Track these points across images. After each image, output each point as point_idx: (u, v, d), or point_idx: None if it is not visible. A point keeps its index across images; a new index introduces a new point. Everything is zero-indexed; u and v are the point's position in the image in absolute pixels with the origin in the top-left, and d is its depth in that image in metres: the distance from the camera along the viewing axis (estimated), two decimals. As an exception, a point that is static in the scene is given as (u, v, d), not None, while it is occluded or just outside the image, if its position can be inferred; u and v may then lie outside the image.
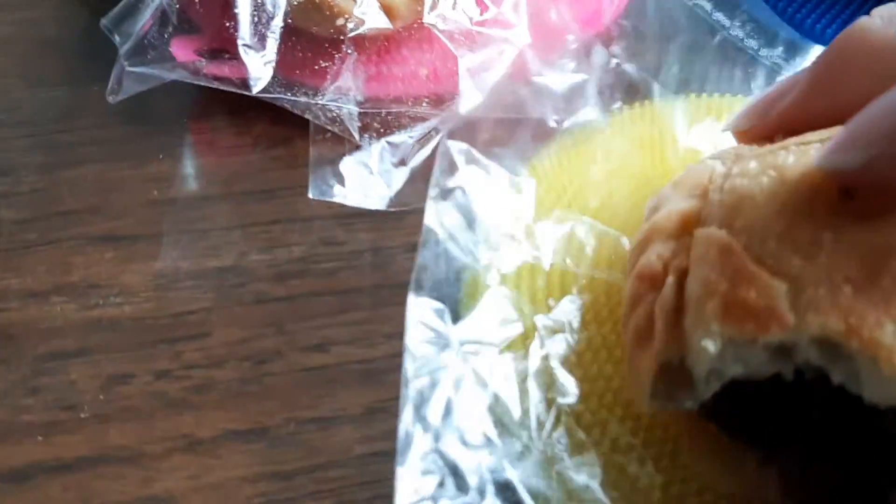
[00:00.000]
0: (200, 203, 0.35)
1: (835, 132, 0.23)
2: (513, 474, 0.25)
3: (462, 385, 0.26)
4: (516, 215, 0.30)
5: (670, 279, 0.24)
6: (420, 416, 0.25)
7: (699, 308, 0.22)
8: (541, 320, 0.28)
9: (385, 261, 0.33)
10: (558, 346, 0.28)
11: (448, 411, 0.26)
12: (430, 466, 0.25)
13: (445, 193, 0.30)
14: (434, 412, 0.26)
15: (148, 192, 0.35)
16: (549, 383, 0.27)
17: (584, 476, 0.25)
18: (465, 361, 0.27)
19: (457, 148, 0.31)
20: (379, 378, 0.30)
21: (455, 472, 0.25)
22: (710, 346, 0.22)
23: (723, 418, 0.25)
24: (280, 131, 0.37)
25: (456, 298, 0.29)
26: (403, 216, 0.34)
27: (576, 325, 0.28)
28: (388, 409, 0.28)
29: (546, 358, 0.27)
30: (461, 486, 0.25)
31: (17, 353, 0.30)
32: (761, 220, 0.23)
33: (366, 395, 0.30)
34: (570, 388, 0.27)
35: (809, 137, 0.25)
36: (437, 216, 0.30)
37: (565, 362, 0.27)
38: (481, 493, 0.25)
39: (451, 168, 0.31)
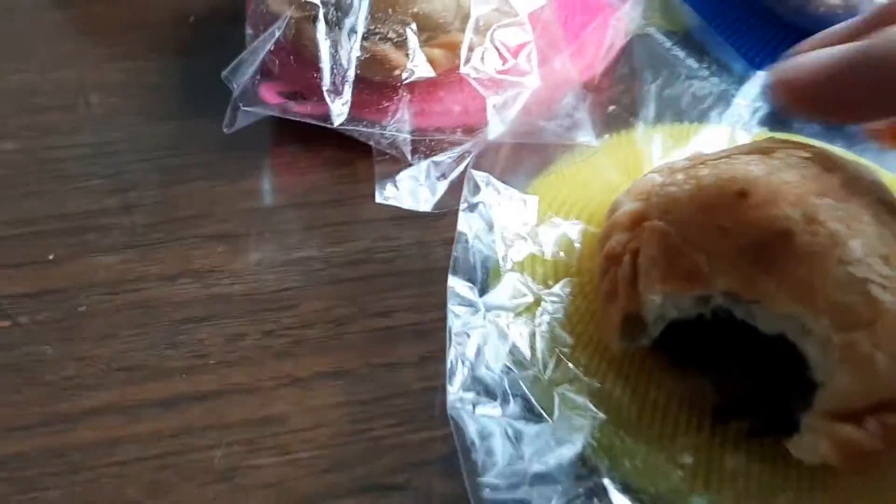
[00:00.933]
0: (284, 210, 0.45)
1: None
2: (527, 392, 0.35)
3: (489, 337, 0.36)
4: (524, 221, 0.40)
5: (627, 257, 0.34)
6: (461, 355, 0.35)
7: (648, 275, 0.32)
8: (543, 294, 0.38)
9: (428, 252, 0.43)
10: (556, 311, 0.37)
11: (479, 353, 0.36)
12: (469, 386, 0.35)
13: (472, 207, 0.40)
14: (470, 353, 0.36)
15: (244, 202, 0.45)
16: (550, 336, 0.37)
17: (579, 395, 0.35)
18: (491, 322, 0.37)
19: (479, 176, 0.41)
20: (429, 336, 0.39)
21: (486, 390, 0.35)
22: (656, 298, 0.32)
23: (669, 348, 0.34)
24: (344, 155, 0.46)
25: (482, 280, 0.38)
26: (442, 218, 0.43)
27: (568, 297, 0.38)
28: (437, 357, 0.37)
29: (549, 320, 0.37)
30: (491, 396, 0.35)
31: (157, 319, 0.40)
32: (686, 214, 0.32)
33: (419, 347, 0.39)
34: (565, 339, 0.37)
35: (728, 152, 0.35)
36: (467, 223, 0.39)
37: (561, 322, 0.37)
38: (505, 401, 0.35)
39: (476, 189, 0.40)
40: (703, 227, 0.32)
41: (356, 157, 0.46)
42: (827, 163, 0.33)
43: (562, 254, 0.39)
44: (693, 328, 0.33)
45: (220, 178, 0.46)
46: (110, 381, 0.38)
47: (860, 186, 0.32)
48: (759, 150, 0.34)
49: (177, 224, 0.44)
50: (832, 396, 0.29)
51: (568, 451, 0.33)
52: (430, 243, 0.43)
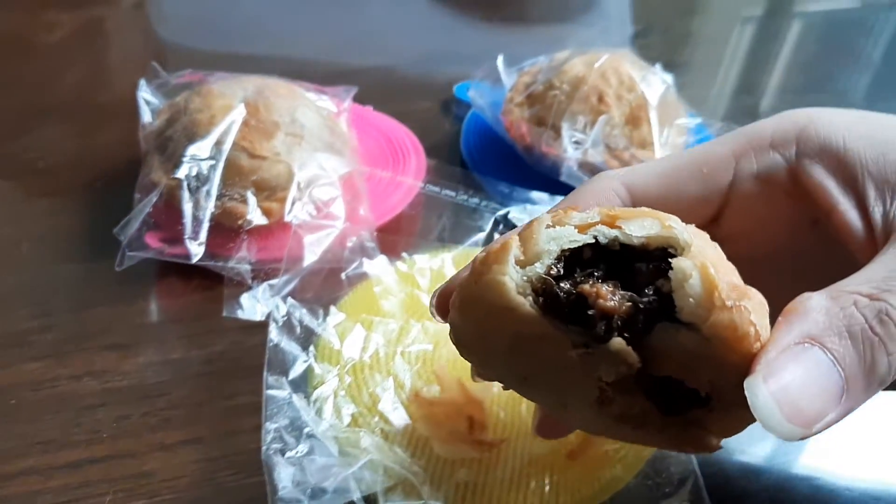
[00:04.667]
0: (164, 325, 0.61)
1: None
2: (319, 438, 0.51)
3: (292, 405, 0.52)
4: (322, 326, 0.57)
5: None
6: (272, 419, 0.52)
7: (540, 224, 0.32)
8: (330, 375, 0.55)
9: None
10: (340, 386, 0.54)
11: (286, 417, 0.52)
12: (277, 440, 0.50)
13: (282, 319, 0.57)
14: (281, 418, 0.52)
15: (134, 320, 0.61)
16: (335, 403, 0.53)
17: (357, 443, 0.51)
18: (295, 396, 0.53)
19: (290, 301, 0.58)
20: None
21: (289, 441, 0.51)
22: (546, 219, 0.32)
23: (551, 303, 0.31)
24: (209, 284, 0.62)
25: (288, 369, 0.54)
26: (279, 326, 0.60)
27: (347, 374, 0.55)
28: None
29: (334, 391, 0.54)
30: (293, 445, 0.50)
31: (67, 407, 0.55)
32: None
33: (256, 419, 0.53)
34: (349, 405, 0.53)
35: None
36: (277, 330, 0.56)
37: (345, 392, 0.54)
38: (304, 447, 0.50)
39: (286, 307, 0.58)
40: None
41: (218, 284, 0.62)
42: None
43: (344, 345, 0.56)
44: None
45: (118, 303, 0.62)
46: (32, 451, 0.53)
47: None
48: None
49: (83, 338, 0.60)
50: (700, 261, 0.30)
51: (344, 472, 0.48)
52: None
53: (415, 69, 0.94)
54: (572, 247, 0.32)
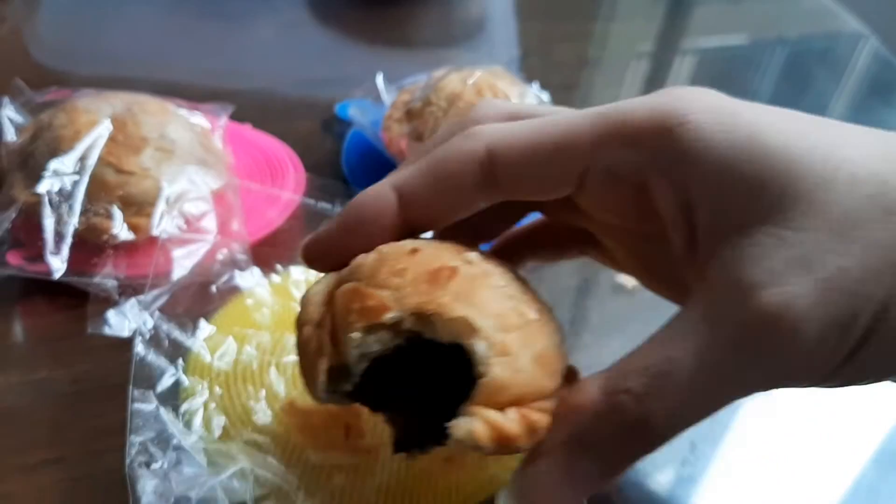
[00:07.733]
0: (27, 345, 0.59)
1: None
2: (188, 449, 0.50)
3: (158, 418, 0.51)
4: (191, 339, 0.56)
5: (328, 318, 0.38)
6: (137, 431, 0.50)
7: (344, 320, 0.36)
8: (199, 387, 0.54)
9: (138, 368, 0.58)
10: (210, 399, 0.53)
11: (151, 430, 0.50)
12: (142, 452, 0.49)
13: (154, 335, 0.56)
14: (146, 430, 0.50)
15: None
16: (205, 415, 0.52)
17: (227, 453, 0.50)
18: (163, 411, 0.51)
19: (157, 315, 0.56)
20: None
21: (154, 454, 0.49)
22: (356, 335, 0.35)
23: (365, 397, 0.39)
24: (75, 301, 0.60)
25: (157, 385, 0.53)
26: (148, 343, 0.59)
27: (218, 392, 0.54)
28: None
29: (203, 403, 0.53)
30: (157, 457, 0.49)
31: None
32: (370, 270, 0.37)
33: (124, 437, 0.52)
34: (220, 417, 0.52)
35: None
36: (143, 344, 0.55)
37: (215, 409, 0.53)
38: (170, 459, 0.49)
39: (156, 327, 0.56)
40: (385, 273, 0.37)
41: (86, 302, 0.60)
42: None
43: (214, 358, 0.55)
44: (385, 373, 0.37)
45: (-23, 325, 0.60)
46: None
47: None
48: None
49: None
50: (488, 386, 0.34)
51: (211, 481, 0.47)
52: (137, 362, 0.58)
53: (296, 91, 0.94)
54: (381, 352, 0.37)
